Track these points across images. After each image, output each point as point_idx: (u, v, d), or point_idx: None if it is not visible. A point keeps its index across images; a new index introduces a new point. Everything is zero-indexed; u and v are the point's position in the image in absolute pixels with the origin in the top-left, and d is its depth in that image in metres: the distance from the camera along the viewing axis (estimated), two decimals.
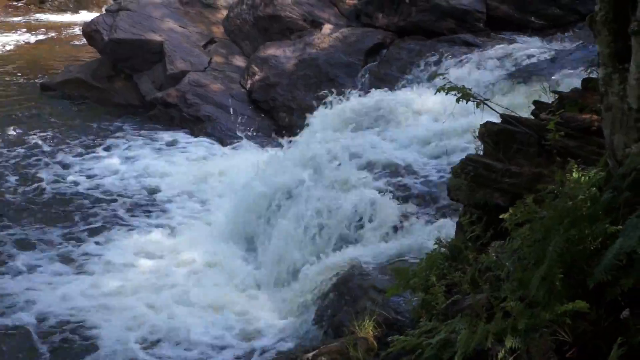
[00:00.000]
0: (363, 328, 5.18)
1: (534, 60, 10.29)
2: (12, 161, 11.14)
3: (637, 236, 3.16)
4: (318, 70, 12.31)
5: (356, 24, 13.35)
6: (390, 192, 7.71)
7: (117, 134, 12.39)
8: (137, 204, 10.00)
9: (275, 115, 12.40)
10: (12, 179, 10.57)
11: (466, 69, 10.62)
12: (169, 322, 7.16)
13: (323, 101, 10.46)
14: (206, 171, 10.79)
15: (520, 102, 8.60)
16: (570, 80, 8.65)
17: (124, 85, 14.05)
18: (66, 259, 8.47)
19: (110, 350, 6.80)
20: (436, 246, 5.11)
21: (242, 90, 13.04)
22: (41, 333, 7.07)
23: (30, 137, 12.08)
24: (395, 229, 7.25)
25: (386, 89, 10.80)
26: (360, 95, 10.57)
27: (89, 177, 10.76)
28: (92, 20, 14.93)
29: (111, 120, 13.05)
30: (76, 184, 10.53)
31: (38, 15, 21.20)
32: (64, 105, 13.76)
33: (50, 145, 11.78)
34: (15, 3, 22.36)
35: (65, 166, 11.09)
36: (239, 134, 11.97)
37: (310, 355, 5.10)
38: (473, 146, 5.84)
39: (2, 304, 7.52)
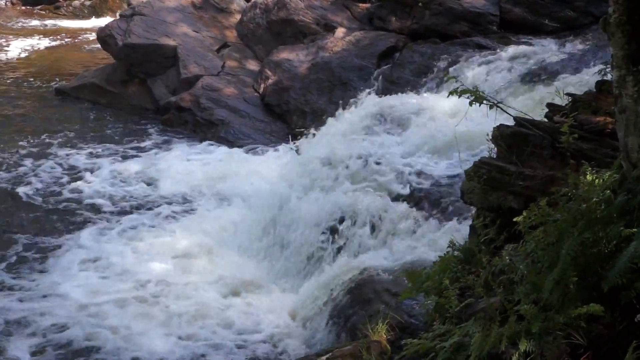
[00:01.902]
0: (376, 331, 5.17)
1: (547, 62, 10.25)
2: (26, 164, 11.22)
3: None
4: (331, 73, 12.32)
5: (369, 27, 13.35)
6: (403, 195, 7.71)
7: (131, 138, 12.46)
8: (148, 207, 10.04)
9: (288, 119, 12.41)
10: (27, 183, 10.64)
11: (479, 72, 10.60)
12: (180, 325, 7.18)
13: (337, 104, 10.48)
14: (219, 175, 10.82)
15: (533, 104, 8.58)
16: (583, 82, 8.62)
17: (137, 90, 14.12)
18: (76, 261, 8.51)
19: (117, 350, 6.84)
20: (449, 249, 5.10)
21: (256, 94, 13.07)
22: (51, 334, 7.10)
23: (45, 141, 12.16)
24: (408, 232, 7.24)
25: (399, 92, 10.80)
26: (373, 99, 10.56)
27: (101, 180, 10.80)
28: (106, 25, 15.02)
29: (125, 124, 13.12)
30: (89, 186, 10.58)
31: (53, 21, 21.34)
32: (78, 109, 13.85)
33: (64, 149, 11.85)
34: (30, 8, 22.54)
35: (78, 169, 11.16)
36: (252, 137, 12.00)
37: (323, 358, 5.10)
38: (486, 149, 5.83)
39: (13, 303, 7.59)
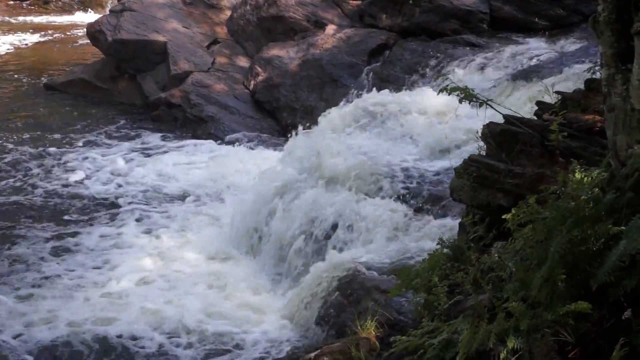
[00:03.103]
0: (365, 328, 5.18)
1: (537, 61, 10.28)
2: (16, 161, 11.16)
3: None
4: (321, 70, 12.32)
5: (359, 24, 13.36)
6: (393, 192, 7.72)
7: (121, 135, 12.42)
8: (141, 204, 10.00)
9: (278, 115, 12.41)
10: (16, 179, 10.59)
11: (469, 70, 10.62)
12: (171, 321, 7.15)
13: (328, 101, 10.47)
14: (209, 172, 10.79)
15: (523, 102, 8.61)
16: (573, 81, 8.64)
17: (127, 86, 14.08)
18: (69, 261, 8.46)
19: (115, 350, 6.81)
20: (439, 247, 5.11)
21: (246, 90, 13.06)
22: (50, 336, 7.05)
23: (34, 137, 12.11)
24: (398, 229, 7.25)
25: (389, 89, 10.80)
26: (363, 96, 10.56)
27: (92, 177, 10.77)
28: (95, 20, 14.96)
29: (114, 120, 13.07)
30: (79, 184, 10.54)
31: (42, 16, 21.24)
32: (68, 105, 13.79)
33: (53, 146, 11.80)
34: (19, 3, 22.41)
35: (69, 166, 11.11)
36: (242, 134, 11.98)
37: (312, 355, 5.10)
38: (476, 147, 5.84)
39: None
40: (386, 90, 10.51)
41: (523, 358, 3.36)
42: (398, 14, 12.81)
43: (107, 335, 6.96)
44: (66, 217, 9.53)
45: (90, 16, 19.74)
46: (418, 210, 7.38)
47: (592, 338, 3.32)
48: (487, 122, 5.50)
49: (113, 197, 10.18)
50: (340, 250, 7.36)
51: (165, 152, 11.70)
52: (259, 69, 13.03)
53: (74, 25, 19.86)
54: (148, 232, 9.13)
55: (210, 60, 13.76)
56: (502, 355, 3.40)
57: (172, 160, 11.36)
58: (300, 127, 9.64)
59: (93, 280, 8.01)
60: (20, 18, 20.95)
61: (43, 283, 7.96)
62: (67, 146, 11.83)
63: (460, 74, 10.45)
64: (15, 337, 6.94)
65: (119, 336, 6.96)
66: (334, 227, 7.62)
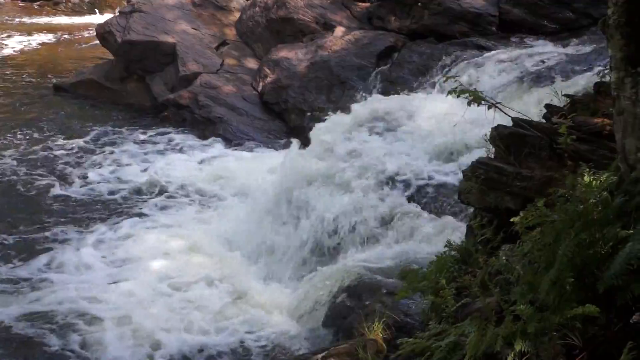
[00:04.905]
0: (372, 330, 5.17)
1: (546, 64, 10.25)
2: (26, 162, 11.21)
3: None
4: (330, 72, 12.32)
5: (368, 26, 13.36)
6: (401, 194, 7.72)
7: (129, 135, 12.45)
8: (147, 205, 10.03)
9: (286, 117, 12.42)
10: (26, 179, 10.63)
11: (478, 73, 10.60)
12: (177, 324, 7.16)
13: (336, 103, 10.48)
14: (217, 173, 10.82)
15: (532, 105, 8.59)
16: (582, 84, 8.62)
17: (136, 87, 14.12)
18: (72, 261, 8.49)
19: (116, 354, 6.82)
20: (446, 249, 5.11)
21: (254, 92, 13.08)
22: (48, 335, 7.08)
23: (44, 137, 12.16)
24: (406, 231, 7.25)
25: (398, 92, 10.80)
26: (371, 98, 10.56)
27: (100, 177, 10.80)
28: (105, 21, 15.01)
29: (123, 121, 13.11)
30: (87, 184, 10.59)
31: (52, 17, 21.33)
32: (77, 106, 13.84)
33: (62, 146, 11.84)
34: (29, 4, 22.51)
35: (77, 166, 11.15)
36: (250, 136, 12.00)
37: (319, 356, 5.10)
38: (484, 149, 5.83)
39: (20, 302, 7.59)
40: (394, 93, 10.53)
41: None
42: (407, 17, 12.81)
43: (101, 339, 7.00)
44: (70, 217, 9.56)
45: (100, 17, 19.82)
46: (426, 212, 7.38)
47: (600, 342, 3.31)
48: (496, 124, 5.49)
49: (120, 198, 10.22)
50: (347, 252, 7.37)
51: (173, 153, 11.73)
52: (268, 71, 13.05)
53: (84, 26, 19.95)
54: (153, 232, 9.15)
55: (219, 62, 13.79)
56: (509, 359, 3.39)
57: (180, 161, 11.39)
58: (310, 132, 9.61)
59: (99, 281, 8.04)
60: (31, 19, 21.05)
61: (41, 283, 8.00)
62: (75, 147, 11.86)
63: (468, 76, 10.44)
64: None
65: (113, 342, 6.98)
66: (342, 229, 7.62)
